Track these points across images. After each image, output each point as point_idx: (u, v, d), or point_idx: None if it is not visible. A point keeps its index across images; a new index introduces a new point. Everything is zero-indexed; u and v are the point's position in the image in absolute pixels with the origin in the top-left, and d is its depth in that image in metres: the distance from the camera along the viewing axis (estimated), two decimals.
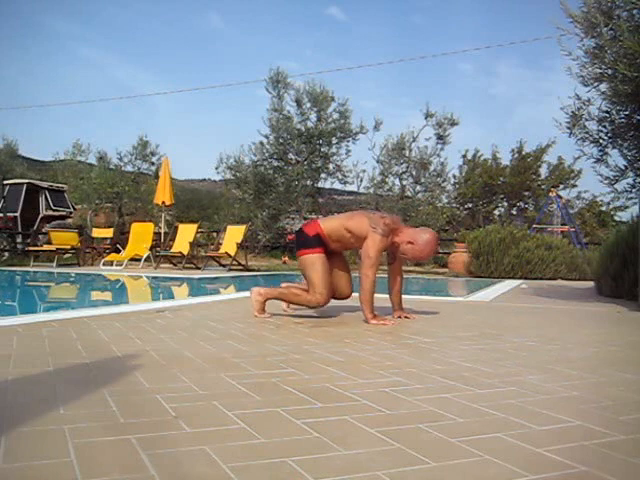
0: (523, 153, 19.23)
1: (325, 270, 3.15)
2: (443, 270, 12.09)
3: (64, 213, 15.15)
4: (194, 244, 10.78)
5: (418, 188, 14.94)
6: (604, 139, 4.73)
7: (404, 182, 14.92)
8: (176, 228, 11.19)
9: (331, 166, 14.89)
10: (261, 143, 14.76)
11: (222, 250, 10.30)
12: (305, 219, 15.00)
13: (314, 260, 3.15)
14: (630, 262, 5.15)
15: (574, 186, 18.95)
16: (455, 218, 18.41)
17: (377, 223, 3.09)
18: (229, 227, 10.96)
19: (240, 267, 10.31)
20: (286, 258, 14.57)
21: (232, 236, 10.37)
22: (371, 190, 14.70)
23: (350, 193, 17.11)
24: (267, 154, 14.72)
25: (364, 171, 15.63)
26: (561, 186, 18.44)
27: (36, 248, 11.39)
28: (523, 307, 4.45)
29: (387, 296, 3.45)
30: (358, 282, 3.18)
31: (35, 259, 10.87)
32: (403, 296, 3.51)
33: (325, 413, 1.37)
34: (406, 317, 3.39)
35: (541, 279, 9.25)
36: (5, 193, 14.39)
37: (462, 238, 11.83)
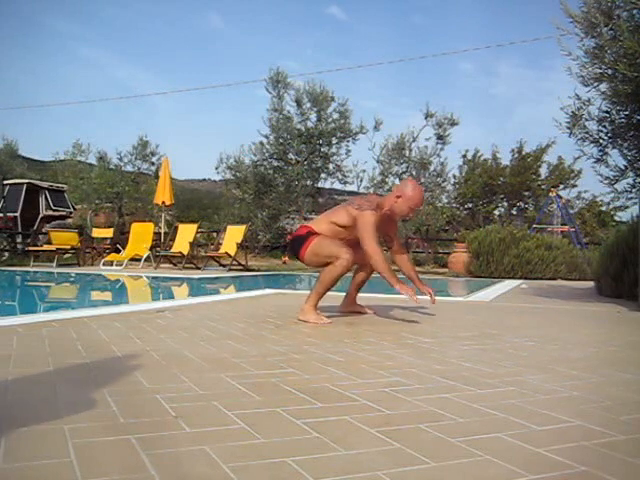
0: (523, 153, 19.21)
1: (330, 240, 3.06)
2: (443, 270, 12.09)
3: (64, 213, 15.15)
4: (194, 244, 10.78)
5: None
6: (604, 139, 4.72)
7: None
8: (176, 228, 11.18)
9: (331, 166, 14.89)
10: (261, 143, 14.76)
11: (222, 250, 10.30)
12: (305, 219, 14.99)
13: (318, 241, 3.06)
14: (630, 262, 5.15)
15: (574, 186, 18.95)
16: (455, 218, 18.40)
17: (360, 203, 3.07)
18: (229, 227, 10.96)
19: (240, 267, 10.31)
20: (286, 258, 14.56)
21: (232, 236, 10.37)
22: (371, 190, 14.69)
23: (350, 193, 17.09)
24: (267, 154, 14.72)
25: (364, 171, 15.62)
26: (561, 186, 18.42)
27: (36, 248, 11.39)
28: (523, 307, 4.45)
29: (385, 296, 3.45)
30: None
31: (35, 259, 10.86)
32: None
33: (325, 413, 1.37)
34: (429, 293, 3.20)
35: (541, 279, 9.25)
36: (5, 193, 14.39)
37: (462, 238, 11.83)
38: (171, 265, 10.93)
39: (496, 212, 20.04)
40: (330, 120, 14.58)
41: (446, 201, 17.57)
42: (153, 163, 19.33)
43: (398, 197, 3.10)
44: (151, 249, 11.02)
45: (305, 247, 3.07)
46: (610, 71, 4.24)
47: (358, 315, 3.47)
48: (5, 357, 1.94)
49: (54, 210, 14.82)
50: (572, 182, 18.90)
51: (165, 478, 0.96)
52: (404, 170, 14.73)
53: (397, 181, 14.96)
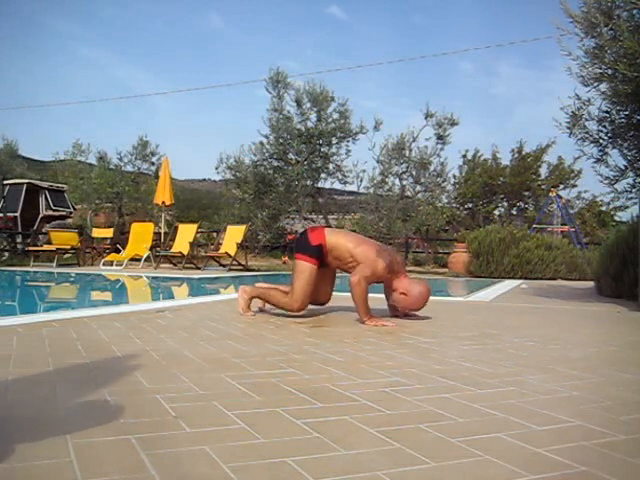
0: (523, 153, 19.21)
1: (311, 282, 3.19)
2: (443, 270, 12.09)
3: (64, 213, 15.15)
4: (194, 244, 10.78)
5: (418, 188, 14.93)
6: (604, 139, 4.72)
7: (404, 182, 14.91)
8: (176, 228, 11.18)
9: (331, 166, 14.87)
10: (261, 143, 14.75)
11: (222, 250, 10.30)
12: (305, 219, 15.00)
13: (305, 269, 3.19)
14: (630, 262, 5.15)
15: (574, 186, 18.95)
16: (455, 218, 18.41)
17: (383, 256, 3.15)
18: (229, 227, 10.96)
19: (240, 267, 10.31)
20: (286, 258, 14.56)
21: (232, 236, 10.37)
22: (371, 190, 14.68)
23: (350, 193, 17.09)
24: (267, 154, 14.70)
25: (364, 171, 15.56)
26: (561, 186, 18.42)
27: (36, 248, 11.39)
28: (523, 307, 4.45)
29: (383, 296, 3.46)
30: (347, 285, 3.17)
31: (35, 259, 10.86)
32: None
33: (325, 413, 1.37)
34: (406, 315, 3.41)
35: (541, 279, 9.25)
36: (5, 193, 14.38)
37: (462, 238, 11.83)
38: (171, 265, 10.93)
39: (496, 212, 20.04)
40: (330, 120, 14.56)
41: (446, 201, 17.56)
42: (153, 163, 19.33)
43: (403, 293, 3.20)
44: (151, 249, 11.02)
45: (299, 257, 3.24)
46: (610, 71, 4.24)
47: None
48: (5, 357, 1.94)
49: (54, 210, 14.82)
50: (572, 182, 18.90)
51: (165, 478, 0.96)
52: (404, 170, 14.73)
53: (397, 181, 14.96)
